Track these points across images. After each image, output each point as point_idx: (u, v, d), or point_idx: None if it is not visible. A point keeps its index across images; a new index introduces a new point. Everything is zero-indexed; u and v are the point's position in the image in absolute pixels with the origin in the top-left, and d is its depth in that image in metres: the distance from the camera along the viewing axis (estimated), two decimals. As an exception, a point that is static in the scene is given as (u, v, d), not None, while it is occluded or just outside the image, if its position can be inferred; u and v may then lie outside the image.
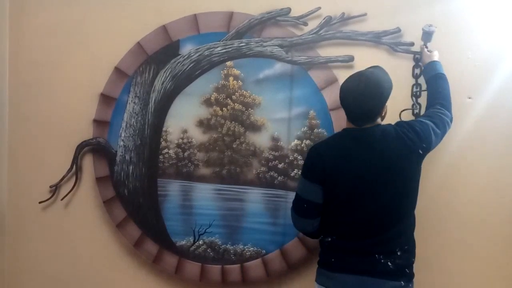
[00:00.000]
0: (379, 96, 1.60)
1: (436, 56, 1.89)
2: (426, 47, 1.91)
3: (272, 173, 2.10)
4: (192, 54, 2.12)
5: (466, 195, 1.96)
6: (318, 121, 2.05)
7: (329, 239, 1.68)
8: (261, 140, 2.10)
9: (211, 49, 2.11)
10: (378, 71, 1.65)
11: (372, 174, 1.60)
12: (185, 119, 2.16)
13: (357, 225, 1.63)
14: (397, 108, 1.99)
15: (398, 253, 1.62)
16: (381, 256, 1.60)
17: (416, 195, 1.70)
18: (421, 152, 1.64)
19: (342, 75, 2.00)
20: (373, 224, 1.62)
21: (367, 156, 1.60)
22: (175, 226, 2.18)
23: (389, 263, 1.60)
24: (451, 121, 1.78)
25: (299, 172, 1.87)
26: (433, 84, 1.84)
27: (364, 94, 1.58)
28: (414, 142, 1.62)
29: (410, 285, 1.65)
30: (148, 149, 2.18)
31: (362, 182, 1.60)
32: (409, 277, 1.65)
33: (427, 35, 1.89)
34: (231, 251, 2.14)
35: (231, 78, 2.11)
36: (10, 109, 2.37)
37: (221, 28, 2.11)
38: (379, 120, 1.65)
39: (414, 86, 1.96)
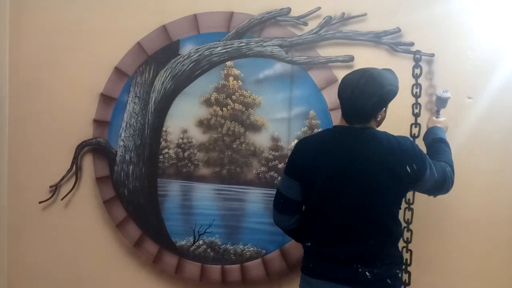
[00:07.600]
0: (378, 97, 1.49)
1: (441, 124, 1.81)
2: (438, 113, 1.84)
3: (272, 173, 2.10)
4: (192, 54, 2.12)
5: (466, 195, 1.96)
6: (318, 121, 2.05)
7: (309, 244, 1.63)
8: (261, 140, 2.10)
9: (211, 49, 2.11)
10: (386, 72, 1.56)
11: (351, 178, 1.50)
12: (185, 119, 2.16)
13: (334, 229, 1.55)
14: (396, 108, 1.98)
15: (378, 265, 1.53)
16: (358, 266, 1.52)
17: (398, 211, 1.61)
18: (409, 170, 1.49)
19: (342, 75, 1.98)
20: (349, 231, 1.54)
21: (349, 158, 1.51)
22: (175, 226, 2.18)
23: (367, 273, 1.52)
24: (452, 183, 1.63)
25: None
26: (433, 147, 1.73)
27: (363, 91, 1.48)
28: (405, 155, 1.49)
29: None
30: (148, 149, 2.19)
31: (338, 184, 1.52)
32: None
33: (441, 101, 1.82)
34: (231, 251, 2.13)
35: (231, 78, 2.11)
36: (10, 109, 2.36)
37: (221, 28, 2.11)
38: (372, 123, 1.57)
39: (414, 86, 1.96)
